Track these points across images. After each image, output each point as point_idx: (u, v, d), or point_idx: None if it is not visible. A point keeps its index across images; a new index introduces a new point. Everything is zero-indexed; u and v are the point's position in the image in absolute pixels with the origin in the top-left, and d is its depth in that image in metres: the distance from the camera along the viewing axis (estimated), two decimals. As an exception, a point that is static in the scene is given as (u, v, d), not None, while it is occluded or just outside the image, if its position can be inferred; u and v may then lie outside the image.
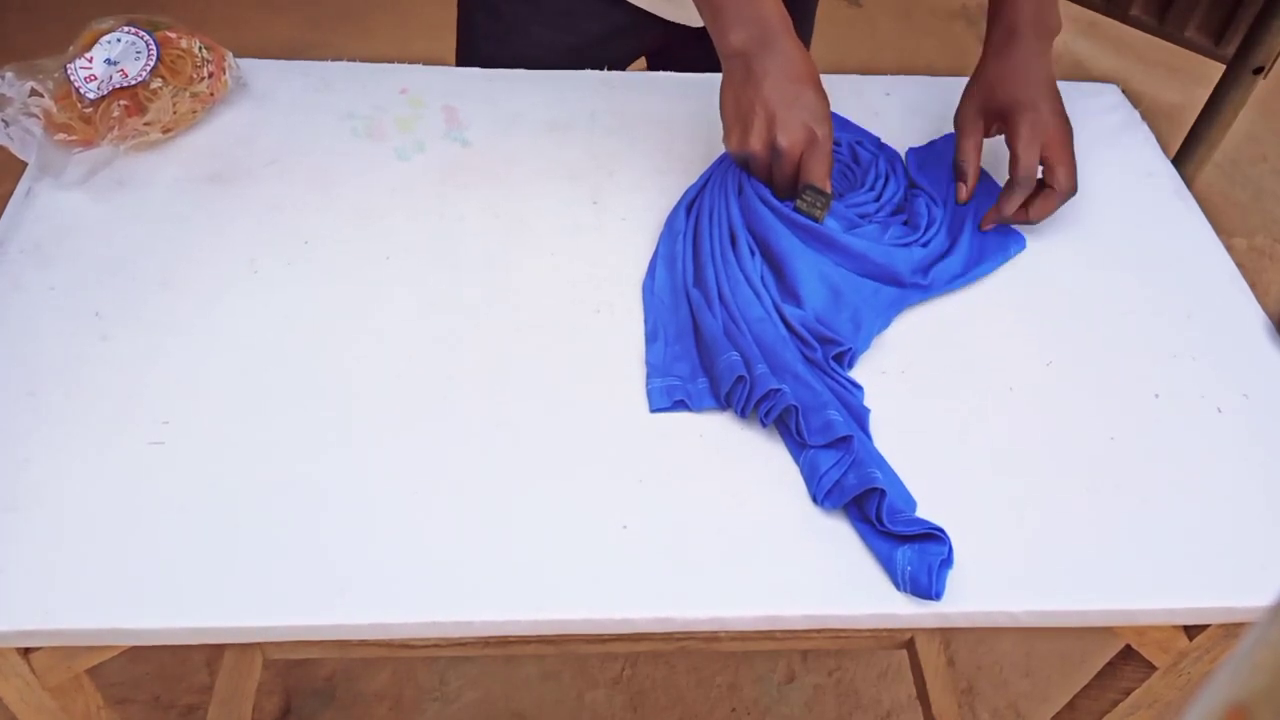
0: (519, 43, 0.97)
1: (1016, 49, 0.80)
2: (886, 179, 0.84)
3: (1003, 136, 0.81)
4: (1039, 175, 0.80)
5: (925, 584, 0.60)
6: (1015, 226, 0.83)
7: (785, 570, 0.62)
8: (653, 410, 0.69)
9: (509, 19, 0.97)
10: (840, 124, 0.90)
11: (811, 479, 0.66)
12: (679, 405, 0.69)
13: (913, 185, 0.85)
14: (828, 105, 0.75)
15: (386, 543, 0.61)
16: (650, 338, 0.73)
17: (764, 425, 0.68)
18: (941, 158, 0.88)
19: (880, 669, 1.42)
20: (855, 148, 0.87)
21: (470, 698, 1.35)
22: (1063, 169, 0.79)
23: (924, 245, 0.79)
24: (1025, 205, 0.81)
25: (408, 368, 0.70)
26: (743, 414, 0.69)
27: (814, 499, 0.65)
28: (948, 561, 0.62)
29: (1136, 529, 0.65)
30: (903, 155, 0.89)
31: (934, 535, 0.62)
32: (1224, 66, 1.73)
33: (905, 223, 0.82)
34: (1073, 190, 0.80)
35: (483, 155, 0.87)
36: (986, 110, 0.81)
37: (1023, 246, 0.83)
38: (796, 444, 0.67)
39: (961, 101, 0.83)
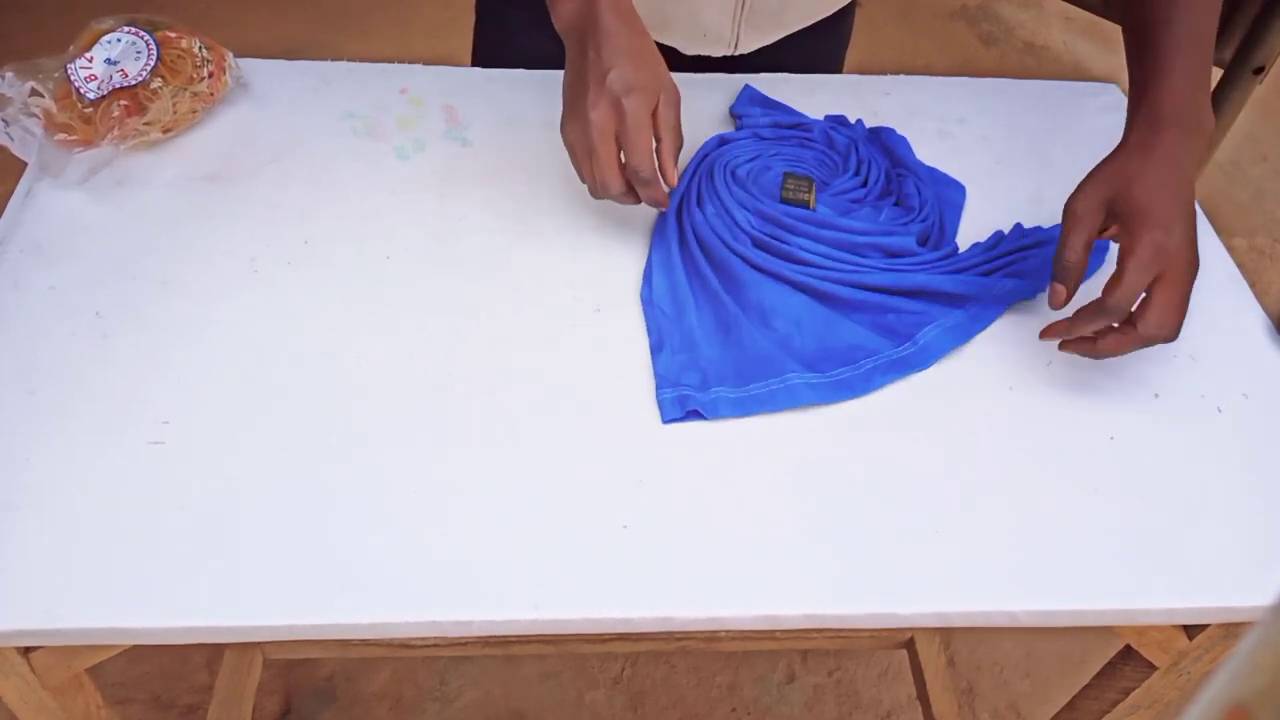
0: (521, 48, 0.97)
1: (1161, 145, 0.68)
2: (870, 162, 0.85)
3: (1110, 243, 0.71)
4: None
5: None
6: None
7: (785, 570, 0.62)
8: (665, 422, 0.68)
9: (512, 24, 0.97)
10: (788, 111, 0.91)
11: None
12: (692, 415, 0.69)
13: (896, 165, 0.86)
14: (646, 75, 0.69)
15: (386, 542, 0.61)
16: (655, 348, 0.72)
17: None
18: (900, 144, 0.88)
19: (880, 669, 1.42)
20: (830, 133, 0.87)
21: (470, 698, 1.35)
22: (1158, 310, 0.66)
23: (922, 221, 0.80)
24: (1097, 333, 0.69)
25: (407, 367, 0.70)
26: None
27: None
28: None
29: (1136, 529, 0.65)
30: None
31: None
32: (1220, 69, 1.73)
33: (896, 203, 0.82)
34: (1163, 338, 0.67)
35: (483, 155, 0.87)
36: (1111, 207, 0.69)
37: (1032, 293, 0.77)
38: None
39: (1083, 185, 0.70)
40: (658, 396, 0.70)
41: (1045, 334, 0.71)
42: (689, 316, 0.74)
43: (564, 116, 0.72)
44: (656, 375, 0.71)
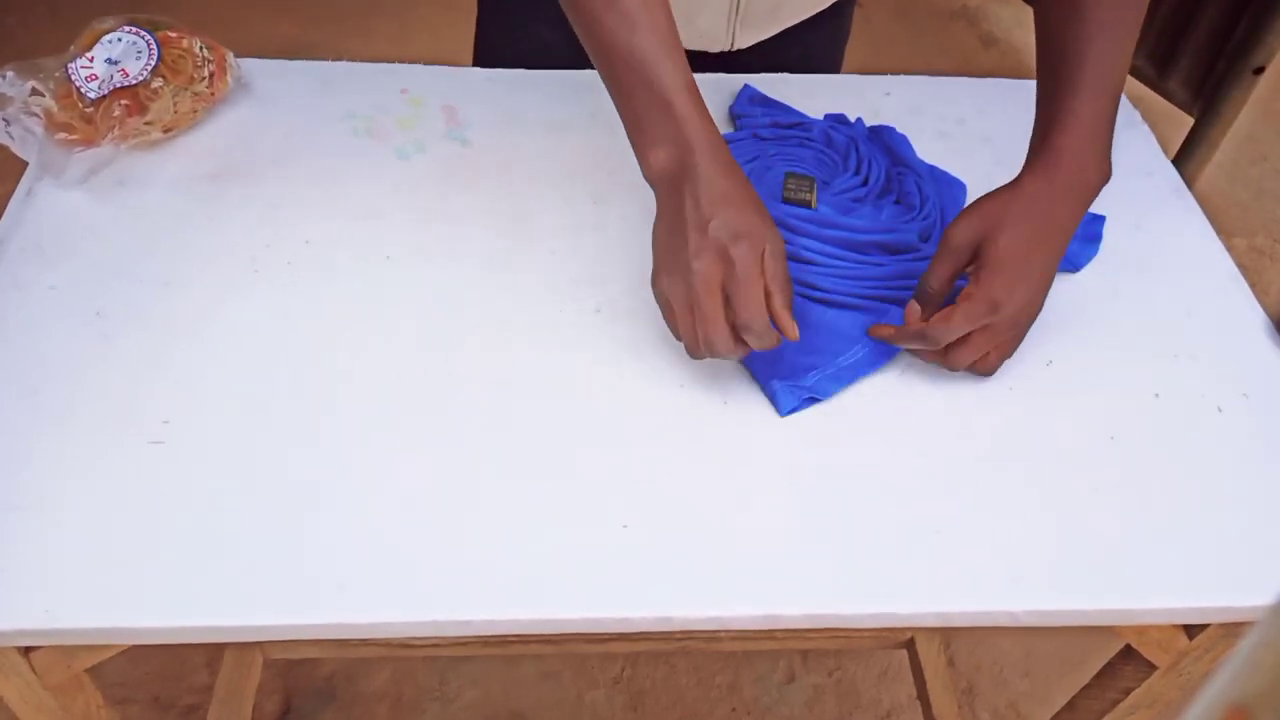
0: (523, 41, 0.97)
1: (1051, 195, 0.67)
2: (870, 161, 0.85)
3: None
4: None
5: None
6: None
7: (785, 570, 0.62)
8: (784, 414, 0.69)
9: (514, 17, 0.97)
10: (786, 110, 0.91)
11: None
12: (809, 402, 0.70)
13: (897, 164, 0.86)
14: (752, 221, 0.63)
15: (386, 542, 0.61)
16: None
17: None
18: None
19: (880, 669, 1.42)
20: (830, 132, 0.87)
21: (470, 698, 1.35)
22: (970, 352, 0.69)
23: (924, 219, 0.80)
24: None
25: (408, 367, 0.70)
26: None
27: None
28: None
29: (1136, 528, 0.65)
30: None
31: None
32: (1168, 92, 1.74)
33: (897, 201, 0.82)
34: (970, 371, 0.71)
35: (483, 155, 0.87)
36: (979, 247, 0.68)
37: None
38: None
39: (966, 215, 0.69)
40: (767, 390, 0.70)
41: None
42: None
43: (657, 270, 0.66)
44: (756, 372, 0.71)
